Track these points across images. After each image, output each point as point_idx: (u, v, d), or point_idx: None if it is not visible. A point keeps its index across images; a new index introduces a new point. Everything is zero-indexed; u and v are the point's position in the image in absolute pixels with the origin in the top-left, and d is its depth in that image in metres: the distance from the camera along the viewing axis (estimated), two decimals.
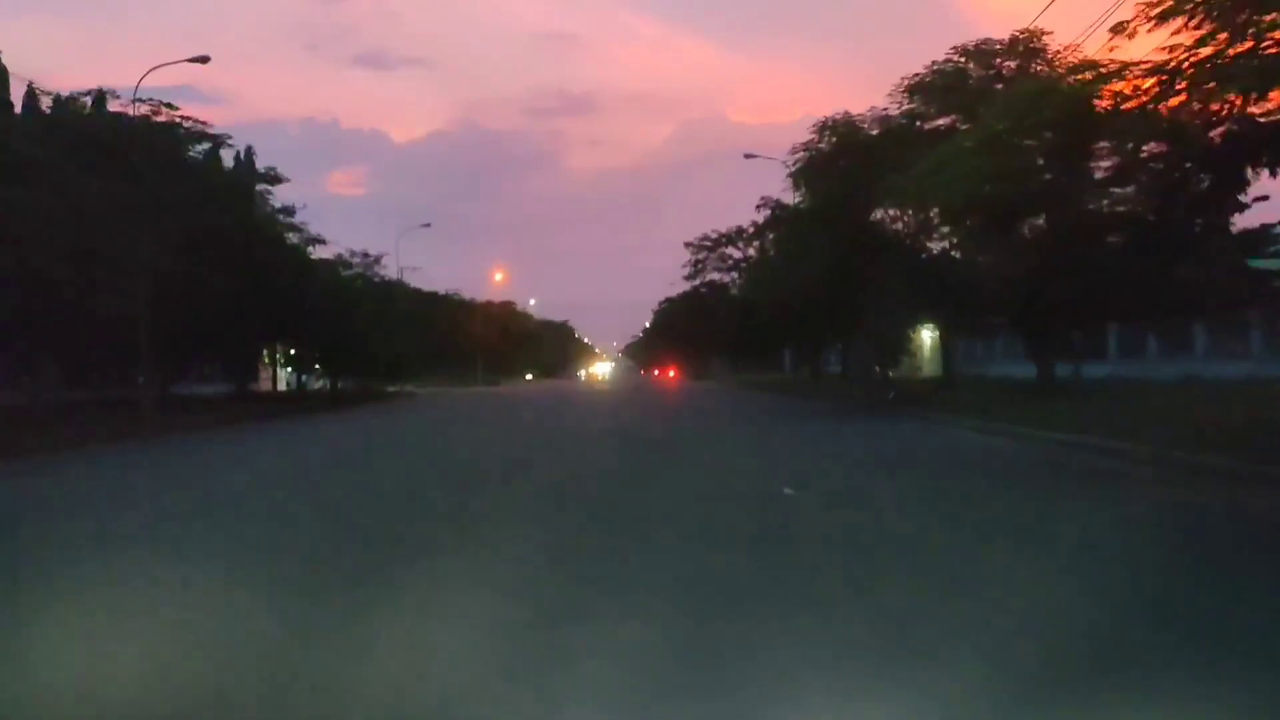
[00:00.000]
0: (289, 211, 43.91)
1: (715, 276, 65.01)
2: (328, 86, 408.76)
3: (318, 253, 45.30)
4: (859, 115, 25.73)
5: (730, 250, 62.10)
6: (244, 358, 41.53)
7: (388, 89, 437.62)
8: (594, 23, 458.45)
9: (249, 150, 58.38)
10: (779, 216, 31.60)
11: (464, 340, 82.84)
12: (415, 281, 77.03)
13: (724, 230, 61.24)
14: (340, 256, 56.74)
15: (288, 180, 35.90)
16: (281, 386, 55.34)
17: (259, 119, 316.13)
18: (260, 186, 41.25)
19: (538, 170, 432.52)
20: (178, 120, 28.14)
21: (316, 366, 51.65)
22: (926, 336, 55.23)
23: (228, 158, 41.61)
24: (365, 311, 50.01)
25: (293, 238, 44.48)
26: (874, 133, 25.07)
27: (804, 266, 28.81)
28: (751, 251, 56.63)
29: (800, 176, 27.82)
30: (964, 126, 23.44)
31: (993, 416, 18.34)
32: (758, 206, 31.38)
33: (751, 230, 54.63)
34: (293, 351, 49.52)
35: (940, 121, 24.37)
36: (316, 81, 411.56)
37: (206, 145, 34.03)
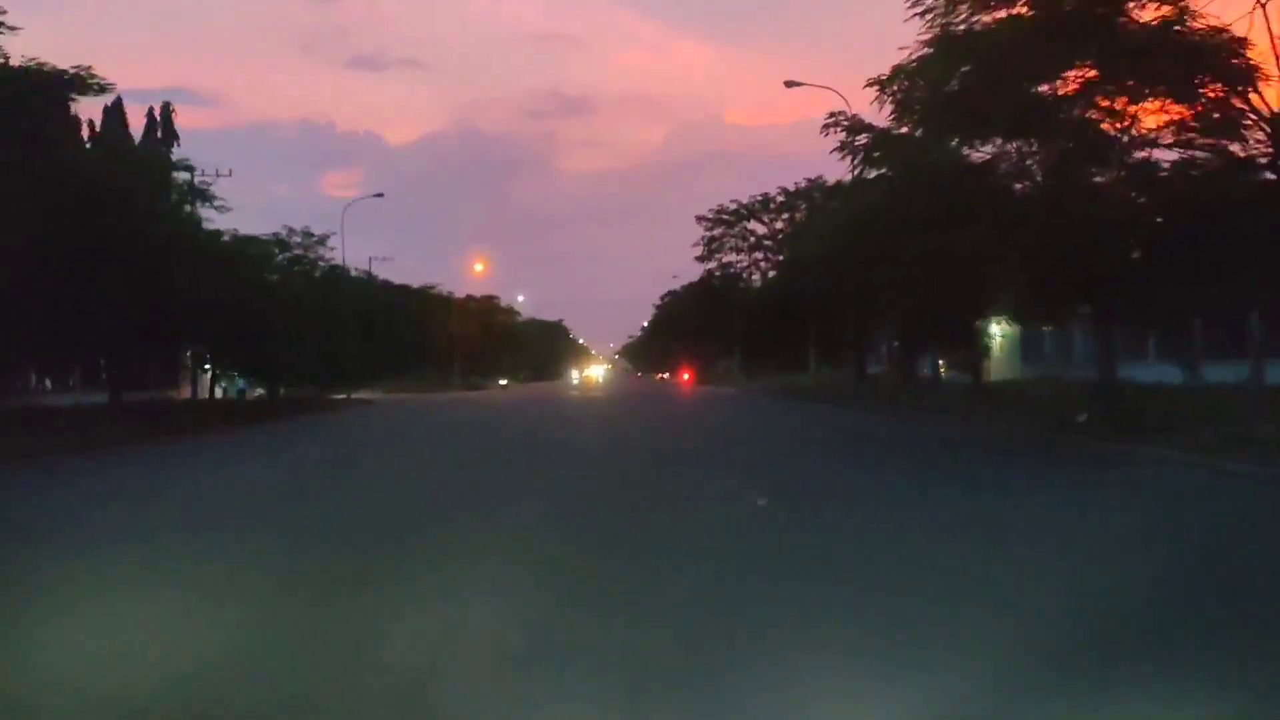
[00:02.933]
0: (180, 166, 33.63)
1: (733, 259, 53.79)
2: (323, 88, 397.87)
3: (222, 223, 34.75)
4: None
5: (753, 225, 51.10)
6: (117, 358, 31.14)
7: (383, 90, 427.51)
8: (590, 24, 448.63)
9: (166, 106, 48.25)
10: (850, 144, 21.11)
11: (440, 339, 72.76)
12: (385, 273, 68.55)
13: (745, 200, 50.00)
14: (277, 235, 46.74)
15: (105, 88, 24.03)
16: (219, 394, 44.81)
17: (254, 121, 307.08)
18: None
19: (533, 172, 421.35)
20: None
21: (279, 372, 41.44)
22: (994, 329, 45.12)
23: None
24: (297, 301, 39.84)
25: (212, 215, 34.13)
26: None
27: (910, 209, 18.83)
28: (780, 225, 46.04)
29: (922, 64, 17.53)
30: None
31: None
32: (824, 127, 20.93)
33: (780, 200, 44.15)
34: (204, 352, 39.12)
35: None
36: (311, 83, 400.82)
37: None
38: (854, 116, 20.98)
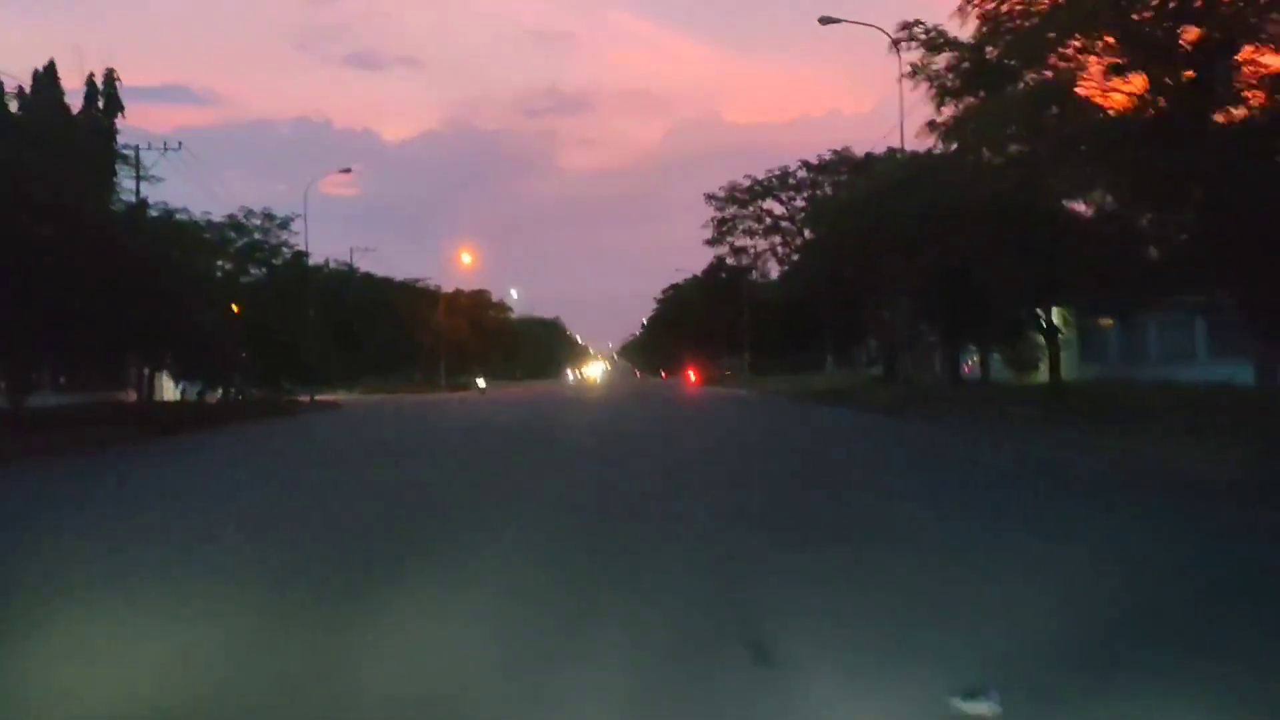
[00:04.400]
0: (105, 131, 28.67)
1: (747, 242, 48.32)
2: (320, 87, 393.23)
3: (157, 198, 29.70)
4: None
5: (770, 205, 45.77)
6: (20, 359, 26.00)
7: (379, 89, 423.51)
8: (587, 21, 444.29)
9: (109, 73, 43.04)
10: (925, 68, 16.01)
11: (425, 336, 67.80)
12: (368, 266, 64.26)
13: (761, 176, 44.65)
14: (232, 216, 41.68)
15: None
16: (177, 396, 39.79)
17: (251, 119, 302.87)
18: None
19: (530, 170, 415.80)
20: None
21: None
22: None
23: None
24: (252, 293, 34.98)
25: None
26: None
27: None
28: (801, 204, 40.90)
29: None
30: None
31: None
32: (894, 42, 15.88)
33: (801, 175, 39.04)
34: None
35: None
36: (308, 82, 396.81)
37: None
38: (935, 28, 15.86)
